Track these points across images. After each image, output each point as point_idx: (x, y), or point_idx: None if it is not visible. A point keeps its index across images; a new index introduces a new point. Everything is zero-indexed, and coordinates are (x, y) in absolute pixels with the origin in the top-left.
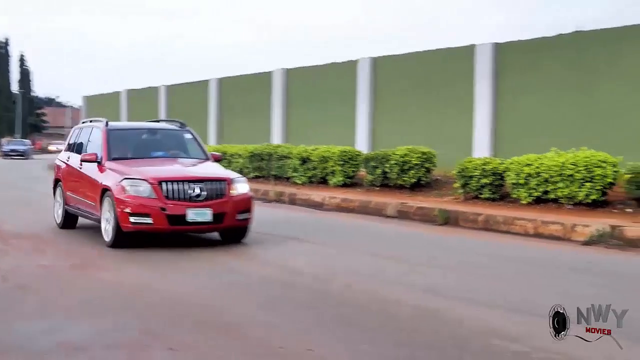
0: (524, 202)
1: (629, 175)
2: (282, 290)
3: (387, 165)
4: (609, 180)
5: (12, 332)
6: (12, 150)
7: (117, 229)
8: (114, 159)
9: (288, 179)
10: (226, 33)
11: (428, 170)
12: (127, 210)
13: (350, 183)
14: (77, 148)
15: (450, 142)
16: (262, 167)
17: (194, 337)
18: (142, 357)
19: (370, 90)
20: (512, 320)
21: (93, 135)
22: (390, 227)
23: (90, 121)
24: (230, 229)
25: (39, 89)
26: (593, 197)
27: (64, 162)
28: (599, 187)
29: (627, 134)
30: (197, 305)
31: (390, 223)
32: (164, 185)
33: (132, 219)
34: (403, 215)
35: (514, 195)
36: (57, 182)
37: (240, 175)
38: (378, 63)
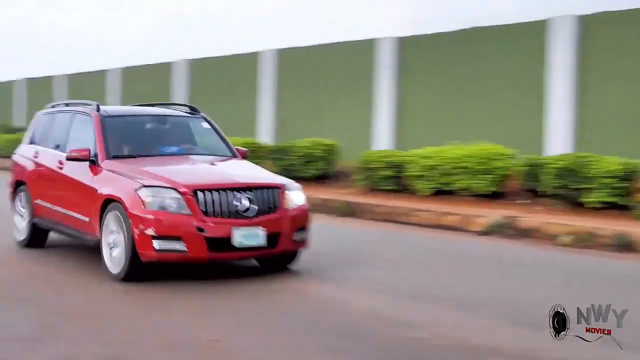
0: (424, 194)
1: (525, 168)
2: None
3: (291, 158)
4: (506, 172)
5: None
6: None
7: (133, 258)
8: (115, 157)
9: None
10: (129, 22)
11: (331, 163)
12: (150, 231)
13: None
14: (51, 141)
15: (354, 135)
16: None
17: None
18: None
19: (274, 82)
20: (411, 308)
21: (76, 123)
22: None
23: (67, 105)
24: (285, 254)
25: None
26: (491, 189)
27: (29, 159)
28: (496, 180)
29: (523, 128)
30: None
31: None
32: (200, 195)
33: (156, 244)
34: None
35: (414, 187)
36: (17, 185)
37: (292, 180)
38: (282, 55)
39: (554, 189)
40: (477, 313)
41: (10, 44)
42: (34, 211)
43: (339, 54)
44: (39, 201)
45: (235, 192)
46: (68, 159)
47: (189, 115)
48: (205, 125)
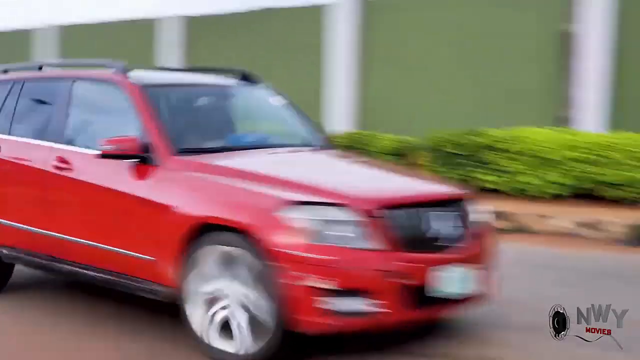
0: None
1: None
2: None
3: None
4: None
5: None
6: None
7: (283, 328)
8: (184, 152)
9: None
10: None
11: None
12: (324, 284)
13: None
14: (26, 124)
15: None
16: None
17: None
18: None
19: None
20: None
21: (76, 96)
22: None
23: (49, 67)
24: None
25: None
26: None
27: None
28: None
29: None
30: None
31: None
32: (392, 216)
33: (335, 304)
34: None
35: None
36: None
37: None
38: (66, 31)
39: None
40: None
41: None
42: None
43: (122, 32)
44: (2, 221)
45: (430, 210)
46: (104, 155)
47: (247, 85)
48: (274, 99)
